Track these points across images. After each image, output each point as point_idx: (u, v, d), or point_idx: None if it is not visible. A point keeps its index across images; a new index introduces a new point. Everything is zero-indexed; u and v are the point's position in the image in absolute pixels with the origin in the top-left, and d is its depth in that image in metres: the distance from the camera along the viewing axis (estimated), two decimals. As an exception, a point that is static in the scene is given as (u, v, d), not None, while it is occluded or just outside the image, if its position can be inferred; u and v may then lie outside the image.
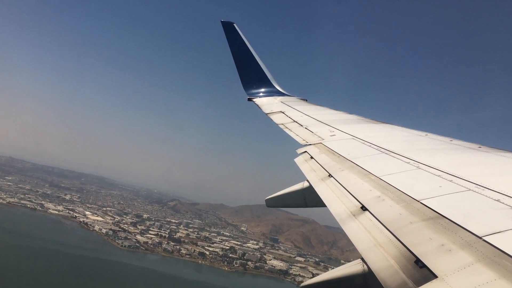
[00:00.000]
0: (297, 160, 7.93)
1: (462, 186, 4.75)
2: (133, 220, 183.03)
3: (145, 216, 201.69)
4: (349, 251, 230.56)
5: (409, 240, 3.82)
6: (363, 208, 4.91)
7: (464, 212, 4.08)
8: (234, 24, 16.18)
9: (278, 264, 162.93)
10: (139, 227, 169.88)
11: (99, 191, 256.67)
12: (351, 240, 4.49)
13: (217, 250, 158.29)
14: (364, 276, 4.75)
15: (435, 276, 3.17)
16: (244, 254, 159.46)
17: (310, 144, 8.53)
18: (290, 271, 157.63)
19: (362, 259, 4.59)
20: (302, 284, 5.43)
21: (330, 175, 6.38)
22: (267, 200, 9.26)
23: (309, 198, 8.06)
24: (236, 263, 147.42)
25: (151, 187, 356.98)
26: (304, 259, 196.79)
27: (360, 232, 4.52)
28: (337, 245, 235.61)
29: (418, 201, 4.48)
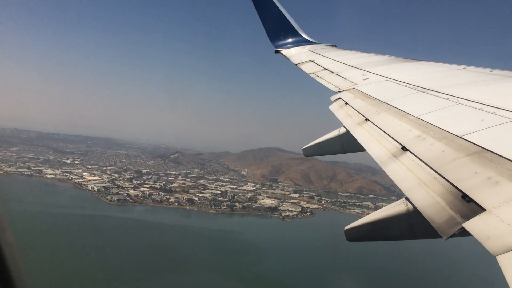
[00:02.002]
0: (332, 107, 8.01)
1: (505, 117, 4.71)
2: (131, 176, 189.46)
3: (144, 171, 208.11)
4: (348, 183, 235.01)
5: (453, 176, 3.85)
6: (404, 148, 4.97)
7: (509, 144, 4.06)
8: None
9: (269, 202, 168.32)
10: (135, 182, 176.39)
11: (104, 152, 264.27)
12: (394, 180, 4.57)
13: (207, 195, 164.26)
14: (409, 215, 4.72)
15: (483, 210, 3.21)
16: (233, 197, 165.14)
17: (343, 91, 8.55)
18: (279, 208, 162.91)
19: (406, 198, 4.65)
20: (346, 227, 5.45)
21: (366, 119, 6.48)
22: (304, 149, 9.46)
23: (346, 144, 8.10)
24: (223, 206, 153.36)
25: (159, 142, 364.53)
26: (299, 195, 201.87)
27: (402, 172, 4.55)
28: (336, 178, 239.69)
29: (460, 137, 4.50)
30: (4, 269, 2.77)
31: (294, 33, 15.67)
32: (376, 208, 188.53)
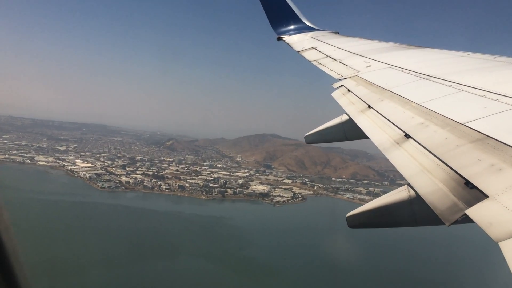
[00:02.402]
0: (334, 94, 8.02)
1: (508, 104, 4.73)
2: (124, 163, 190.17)
3: (138, 158, 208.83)
4: (342, 169, 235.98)
5: (456, 163, 3.87)
6: (407, 135, 5.00)
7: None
8: None
9: (261, 188, 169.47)
10: (127, 169, 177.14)
11: (99, 139, 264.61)
12: (396, 167, 4.59)
13: (199, 182, 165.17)
14: (410, 202, 4.76)
15: (486, 196, 3.23)
16: (225, 183, 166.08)
17: (346, 78, 8.57)
18: (271, 193, 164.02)
19: (408, 185, 4.68)
20: (347, 214, 5.46)
21: (369, 107, 6.50)
22: (306, 137, 9.52)
23: (348, 131, 8.18)
24: (215, 192, 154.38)
25: (155, 129, 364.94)
26: (292, 181, 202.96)
27: (405, 159, 4.58)
28: (330, 164, 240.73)
29: (463, 124, 4.51)
30: (7, 267, 2.75)
31: (297, 19, 15.59)
32: (368, 193, 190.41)
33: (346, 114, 7.37)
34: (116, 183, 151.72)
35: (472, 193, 3.41)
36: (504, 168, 3.46)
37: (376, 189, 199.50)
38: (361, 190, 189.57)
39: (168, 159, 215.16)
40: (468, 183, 3.53)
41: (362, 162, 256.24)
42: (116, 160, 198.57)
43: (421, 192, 3.92)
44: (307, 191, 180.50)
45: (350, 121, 7.36)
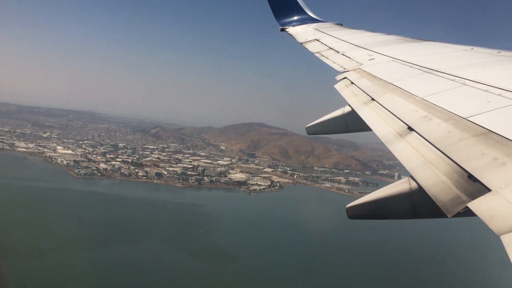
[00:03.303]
0: (337, 86, 8.09)
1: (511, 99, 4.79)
2: (106, 150, 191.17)
3: (121, 145, 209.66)
4: (325, 158, 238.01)
5: (459, 157, 3.91)
6: (410, 128, 5.02)
7: None
8: None
9: (239, 176, 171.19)
10: (108, 156, 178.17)
11: (85, 126, 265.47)
12: (399, 159, 4.61)
13: (177, 169, 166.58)
14: (411, 194, 4.75)
15: (489, 190, 3.28)
16: (203, 171, 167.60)
17: (349, 70, 8.63)
18: (249, 182, 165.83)
19: (410, 177, 4.71)
20: (348, 205, 5.47)
21: (372, 99, 6.57)
22: (307, 128, 9.44)
23: (350, 123, 8.15)
24: (191, 180, 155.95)
25: (144, 117, 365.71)
26: (273, 169, 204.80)
27: (408, 151, 4.62)
28: (313, 153, 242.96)
29: (466, 118, 4.56)
30: None
31: (300, 10, 15.48)
32: (347, 182, 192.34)
33: (349, 105, 7.40)
34: (93, 170, 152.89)
35: (475, 186, 3.44)
36: (507, 162, 3.48)
37: (356, 178, 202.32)
38: (340, 179, 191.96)
39: (151, 147, 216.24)
40: (471, 177, 3.56)
41: (348, 152, 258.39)
42: (99, 147, 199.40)
43: (424, 184, 3.96)
44: (286, 180, 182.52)
45: (352, 113, 7.48)
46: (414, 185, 4.64)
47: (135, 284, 71.37)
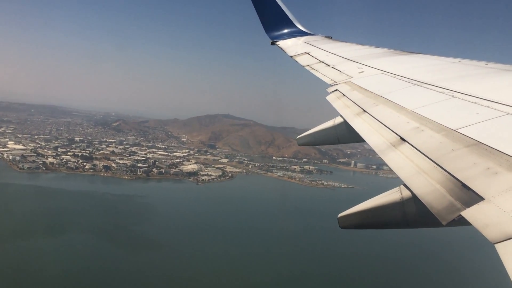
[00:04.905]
0: (329, 97, 8.26)
1: (500, 111, 4.93)
2: (60, 144, 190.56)
3: (77, 139, 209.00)
4: (285, 148, 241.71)
5: (453, 167, 4.01)
6: (402, 139, 5.14)
7: (504, 137, 4.25)
8: None
9: (192, 167, 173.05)
10: (60, 150, 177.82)
11: (46, 120, 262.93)
12: (393, 169, 4.67)
13: (127, 162, 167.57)
14: (403, 204, 4.80)
15: (482, 199, 3.35)
16: (154, 163, 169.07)
17: (340, 83, 8.83)
18: (200, 172, 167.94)
19: (404, 185, 4.74)
20: (339, 215, 5.49)
21: (364, 111, 6.77)
22: (298, 139, 9.74)
23: (341, 134, 8.30)
24: (140, 171, 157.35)
25: (110, 110, 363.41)
26: (229, 160, 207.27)
27: (401, 161, 4.71)
28: (274, 143, 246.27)
29: (455, 130, 4.69)
30: None
31: (290, 24, 15.76)
32: (302, 171, 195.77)
33: (341, 117, 7.54)
34: (39, 164, 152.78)
35: (469, 194, 3.52)
36: (500, 171, 3.59)
37: (311, 167, 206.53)
38: (295, 168, 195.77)
39: (109, 140, 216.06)
40: (465, 186, 3.65)
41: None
42: (53, 141, 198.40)
43: (418, 192, 4.04)
44: (239, 170, 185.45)
45: (342, 125, 7.72)
46: (405, 194, 4.79)
47: (40, 274, 72.58)
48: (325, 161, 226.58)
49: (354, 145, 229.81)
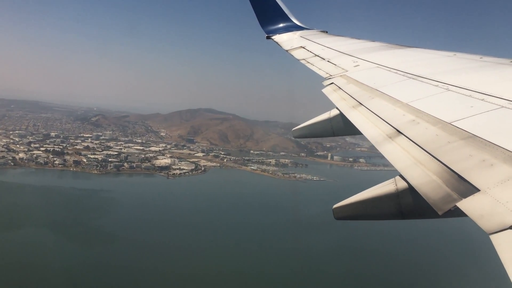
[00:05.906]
0: (325, 90, 8.39)
1: (494, 104, 5.03)
2: (33, 140, 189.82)
3: (53, 134, 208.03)
4: (263, 142, 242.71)
5: (448, 159, 4.08)
6: (399, 131, 5.24)
7: (498, 130, 4.35)
8: None
9: (164, 162, 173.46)
10: (32, 146, 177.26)
11: (25, 116, 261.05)
12: (389, 160, 4.75)
13: (99, 157, 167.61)
14: (397, 195, 4.87)
15: (478, 190, 3.41)
16: (126, 157, 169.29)
17: (335, 76, 8.97)
18: (172, 166, 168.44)
19: (399, 177, 4.85)
20: (334, 206, 5.52)
21: (360, 103, 6.90)
22: (293, 131, 9.82)
23: (336, 126, 8.42)
24: (110, 166, 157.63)
25: (93, 105, 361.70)
26: (205, 154, 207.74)
27: (398, 153, 4.78)
28: (253, 137, 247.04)
29: (450, 123, 4.79)
30: None
31: (285, 18, 15.92)
32: (277, 164, 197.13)
33: (337, 109, 7.65)
34: (7, 160, 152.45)
35: (466, 185, 3.58)
36: (495, 163, 3.67)
37: (286, 160, 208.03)
38: (270, 162, 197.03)
39: (87, 135, 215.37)
40: (461, 177, 3.73)
41: (286, 135, 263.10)
42: (28, 137, 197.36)
43: (414, 183, 4.10)
44: (213, 164, 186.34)
45: (338, 117, 7.86)
46: (400, 186, 4.88)
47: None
48: (303, 154, 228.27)
49: (335, 138, 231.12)
